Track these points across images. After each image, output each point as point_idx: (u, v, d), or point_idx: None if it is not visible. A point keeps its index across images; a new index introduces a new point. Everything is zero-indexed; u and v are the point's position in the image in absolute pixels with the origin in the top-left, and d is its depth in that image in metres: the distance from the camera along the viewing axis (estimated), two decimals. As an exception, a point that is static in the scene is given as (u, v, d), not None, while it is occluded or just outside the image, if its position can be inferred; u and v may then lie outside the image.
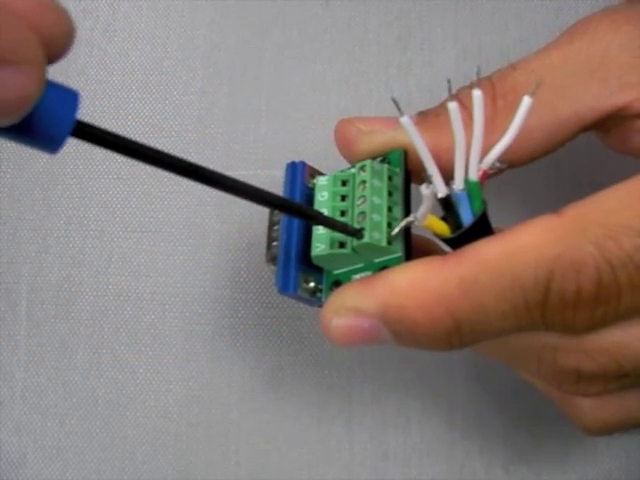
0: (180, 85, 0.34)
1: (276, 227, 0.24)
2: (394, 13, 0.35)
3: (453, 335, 0.20)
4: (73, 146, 0.34)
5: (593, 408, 0.23)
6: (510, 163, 0.24)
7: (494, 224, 0.22)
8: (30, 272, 0.33)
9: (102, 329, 0.32)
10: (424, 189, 0.19)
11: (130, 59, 0.35)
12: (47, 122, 0.14)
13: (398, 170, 0.24)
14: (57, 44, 0.15)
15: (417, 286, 0.20)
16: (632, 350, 0.20)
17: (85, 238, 0.33)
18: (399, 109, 0.20)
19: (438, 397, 0.32)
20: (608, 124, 0.24)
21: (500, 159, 0.21)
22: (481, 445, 0.32)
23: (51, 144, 0.15)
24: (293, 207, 0.22)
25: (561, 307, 0.19)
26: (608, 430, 0.24)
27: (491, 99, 0.23)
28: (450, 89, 0.20)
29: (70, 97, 0.15)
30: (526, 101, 0.20)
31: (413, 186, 0.23)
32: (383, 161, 0.24)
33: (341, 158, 0.25)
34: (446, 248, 0.22)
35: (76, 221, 0.33)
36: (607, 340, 0.20)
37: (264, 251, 0.25)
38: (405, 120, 0.20)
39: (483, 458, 0.32)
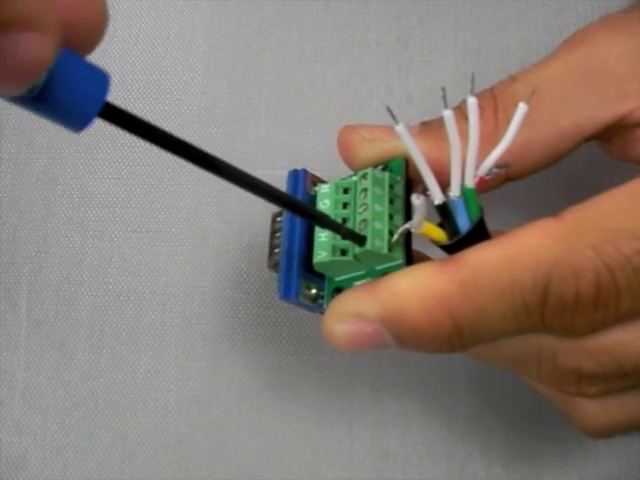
0: (180, 85, 0.34)
1: (278, 234, 0.24)
2: (394, 13, 0.35)
3: (454, 337, 0.20)
4: (73, 146, 0.34)
5: (594, 411, 0.23)
6: (512, 176, 0.24)
7: (494, 227, 0.22)
8: (30, 272, 0.33)
9: (102, 329, 0.32)
10: (414, 199, 0.19)
11: (130, 59, 0.35)
12: (77, 99, 0.15)
13: (399, 178, 0.23)
14: (89, 30, 0.15)
15: (418, 289, 0.20)
16: (633, 349, 0.20)
17: (85, 238, 0.33)
18: (393, 117, 0.20)
19: (438, 397, 0.32)
20: (609, 134, 0.24)
21: (497, 165, 0.21)
22: (481, 445, 0.32)
23: (79, 122, 0.15)
24: (306, 209, 0.22)
25: (560, 310, 0.19)
26: (609, 433, 0.24)
27: (492, 112, 0.23)
28: (445, 97, 0.20)
29: (102, 78, 0.15)
30: (522, 108, 0.20)
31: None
32: (385, 169, 0.24)
33: (341, 158, 0.25)
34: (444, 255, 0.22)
35: (76, 221, 0.33)
36: (608, 339, 0.20)
37: (266, 256, 0.25)
38: (400, 128, 0.20)
39: (483, 458, 0.32)
